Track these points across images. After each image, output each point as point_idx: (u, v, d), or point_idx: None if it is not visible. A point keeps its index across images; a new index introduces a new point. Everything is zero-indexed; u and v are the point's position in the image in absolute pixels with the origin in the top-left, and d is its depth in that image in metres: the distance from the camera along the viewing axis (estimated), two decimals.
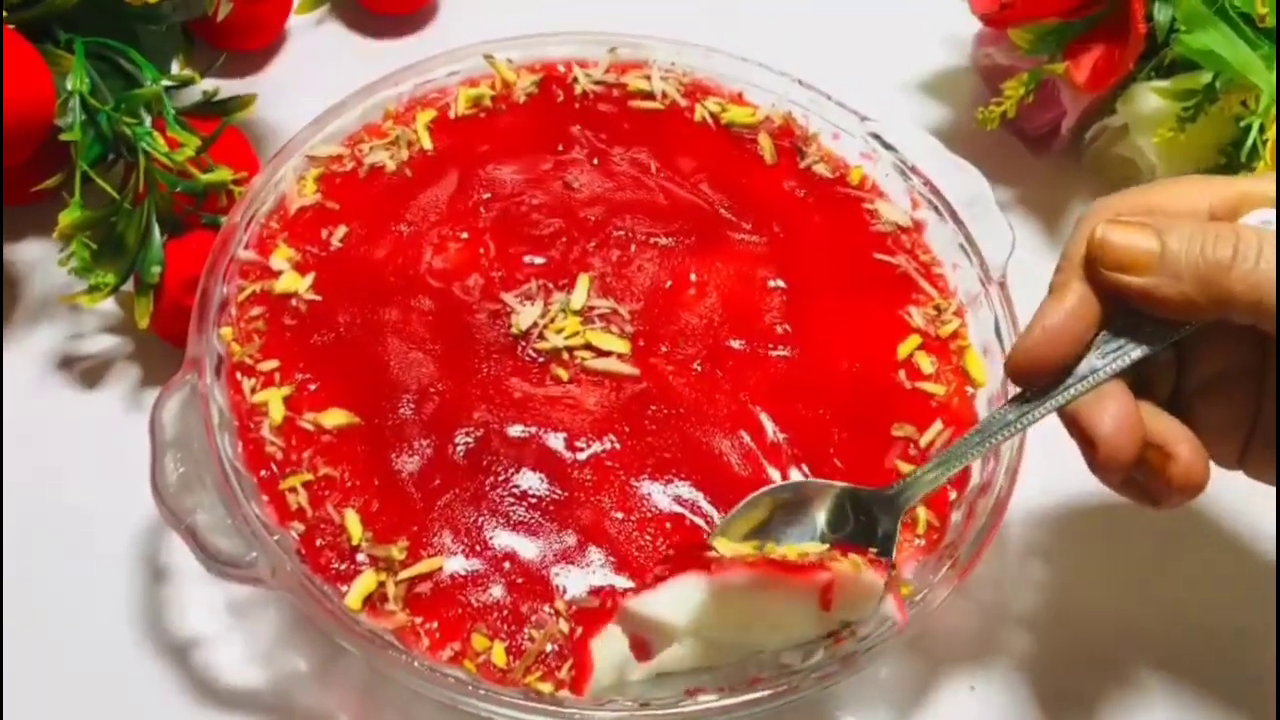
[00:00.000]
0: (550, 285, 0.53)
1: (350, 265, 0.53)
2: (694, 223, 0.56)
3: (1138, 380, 0.42)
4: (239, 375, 0.49)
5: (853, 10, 0.75)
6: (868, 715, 0.50)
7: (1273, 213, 0.40)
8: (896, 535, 0.45)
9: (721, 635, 0.43)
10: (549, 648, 0.44)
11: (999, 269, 0.54)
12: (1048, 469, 0.49)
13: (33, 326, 0.58)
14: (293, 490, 0.46)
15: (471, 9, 0.74)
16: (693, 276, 0.54)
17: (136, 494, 0.46)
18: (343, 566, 0.45)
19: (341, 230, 0.53)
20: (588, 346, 0.51)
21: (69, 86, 0.54)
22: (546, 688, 0.43)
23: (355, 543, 0.45)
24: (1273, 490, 0.44)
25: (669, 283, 0.54)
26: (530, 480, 0.47)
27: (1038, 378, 0.42)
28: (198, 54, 0.66)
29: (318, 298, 0.51)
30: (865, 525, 0.45)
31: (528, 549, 0.46)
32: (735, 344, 0.52)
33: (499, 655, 0.43)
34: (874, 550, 0.44)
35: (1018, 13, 0.62)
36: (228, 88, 0.60)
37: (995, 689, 0.51)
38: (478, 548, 0.46)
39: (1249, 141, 0.58)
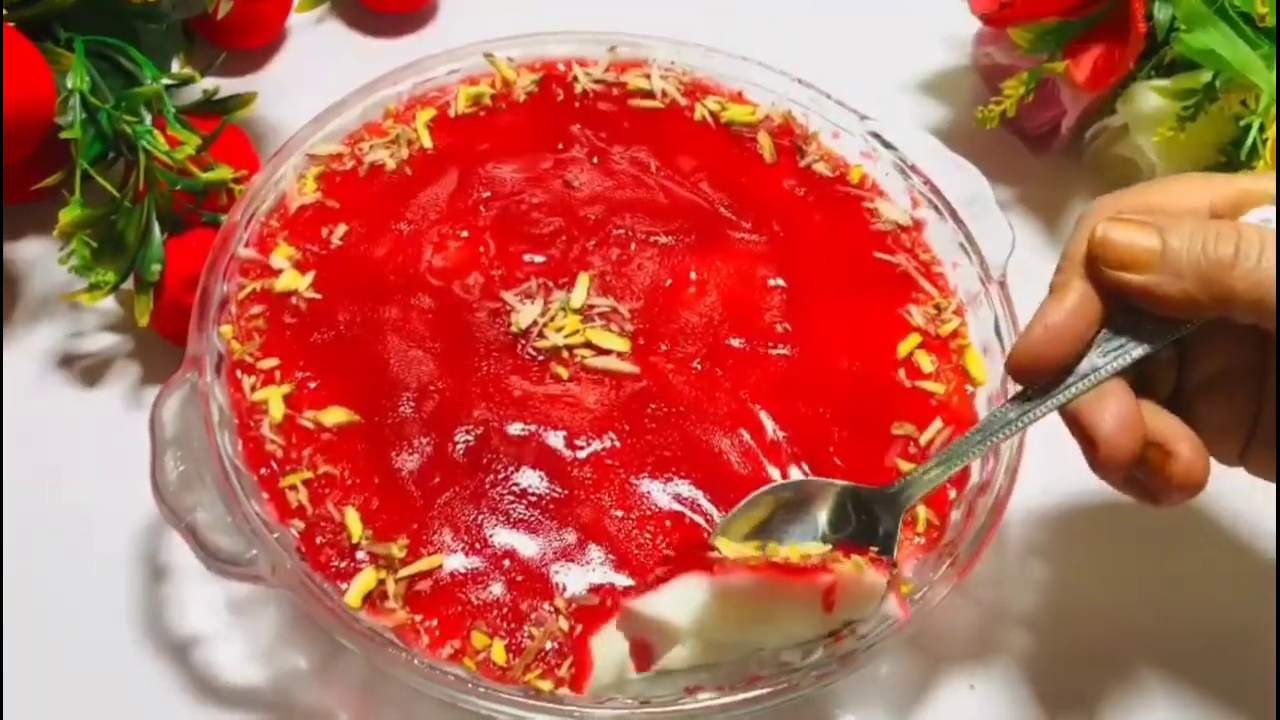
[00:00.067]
0: (550, 284, 0.53)
1: (350, 263, 0.53)
2: (694, 221, 0.56)
3: (1139, 378, 0.42)
4: (239, 373, 0.49)
5: (853, 9, 0.75)
6: (867, 713, 0.50)
7: (1273, 210, 0.40)
8: (898, 534, 0.45)
9: (723, 636, 0.43)
10: (549, 645, 0.44)
11: (999, 268, 0.54)
12: (1048, 468, 0.49)
13: (33, 324, 0.58)
14: (293, 488, 0.46)
15: (471, 8, 0.74)
16: (693, 275, 0.54)
17: (136, 492, 0.46)
18: (343, 564, 0.45)
19: (341, 228, 0.53)
20: (588, 345, 0.51)
21: (69, 85, 0.54)
22: (546, 685, 0.43)
23: (355, 540, 0.45)
24: (1272, 488, 0.44)
25: (669, 281, 0.54)
26: (530, 478, 0.47)
27: (1039, 376, 0.42)
28: (198, 52, 0.66)
29: (318, 296, 0.51)
30: (866, 524, 0.45)
31: (528, 547, 0.46)
32: (735, 342, 0.52)
33: (499, 653, 0.43)
34: (875, 549, 0.44)
35: (1017, 12, 0.62)
36: (228, 86, 0.60)
37: (995, 687, 0.51)
38: (478, 545, 0.46)
39: (1249, 140, 0.58)
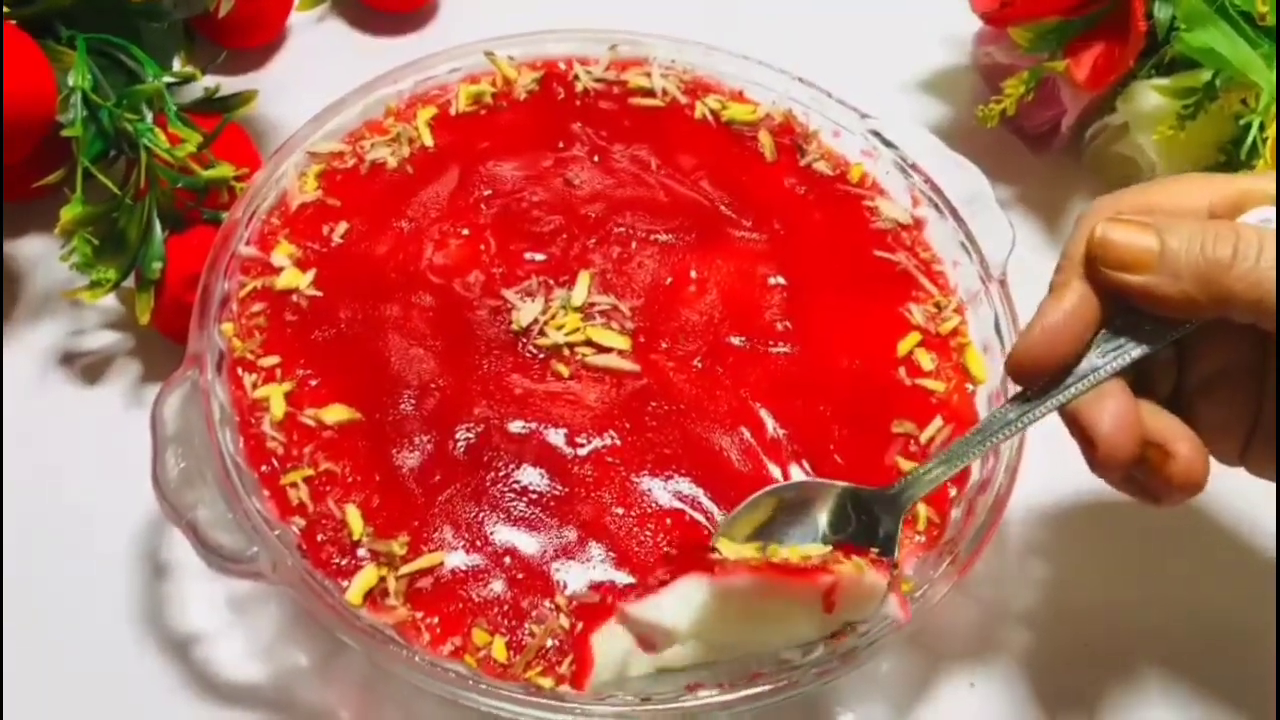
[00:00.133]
0: (551, 282, 0.53)
1: (351, 261, 0.53)
2: (694, 220, 0.56)
3: (1139, 378, 0.42)
4: (240, 371, 0.49)
5: (853, 8, 0.75)
6: (868, 711, 0.50)
7: (1273, 210, 0.40)
8: (898, 535, 0.45)
9: (724, 637, 0.43)
10: (549, 643, 0.44)
11: (999, 266, 0.54)
12: (1048, 466, 0.49)
13: (34, 322, 0.59)
14: (294, 485, 0.46)
15: (472, 6, 0.74)
16: (693, 273, 0.54)
17: (137, 490, 0.46)
18: (343, 562, 0.45)
19: (343, 226, 0.54)
20: (588, 343, 0.51)
21: (71, 83, 0.54)
22: (547, 683, 0.43)
23: (356, 538, 0.45)
24: (1271, 486, 0.44)
25: (669, 279, 0.54)
26: (531, 476, 0.47)
27: (1038, 377, 0.42)
28: (199, 51, 0.66)
29: (319, 294, 0.51)
30: (867, 525, 0.45)
31: (528, 544, 0.46)
32: (735, 340, 0.52)
33: (499, 650, 0.43)
34: (876, 550, 0.44)
35: (1018, 11, 0.62)
36: (229, 84, 0.60)
37: (995, 685, 0.51)
38: (478, 543, 0.46)
39: (1249, 139, 0.58)
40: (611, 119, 0.59)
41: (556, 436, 0.48)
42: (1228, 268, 0.39)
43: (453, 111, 0.58)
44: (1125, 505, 0.44)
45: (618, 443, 0.48)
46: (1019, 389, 0.43)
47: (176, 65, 0.64)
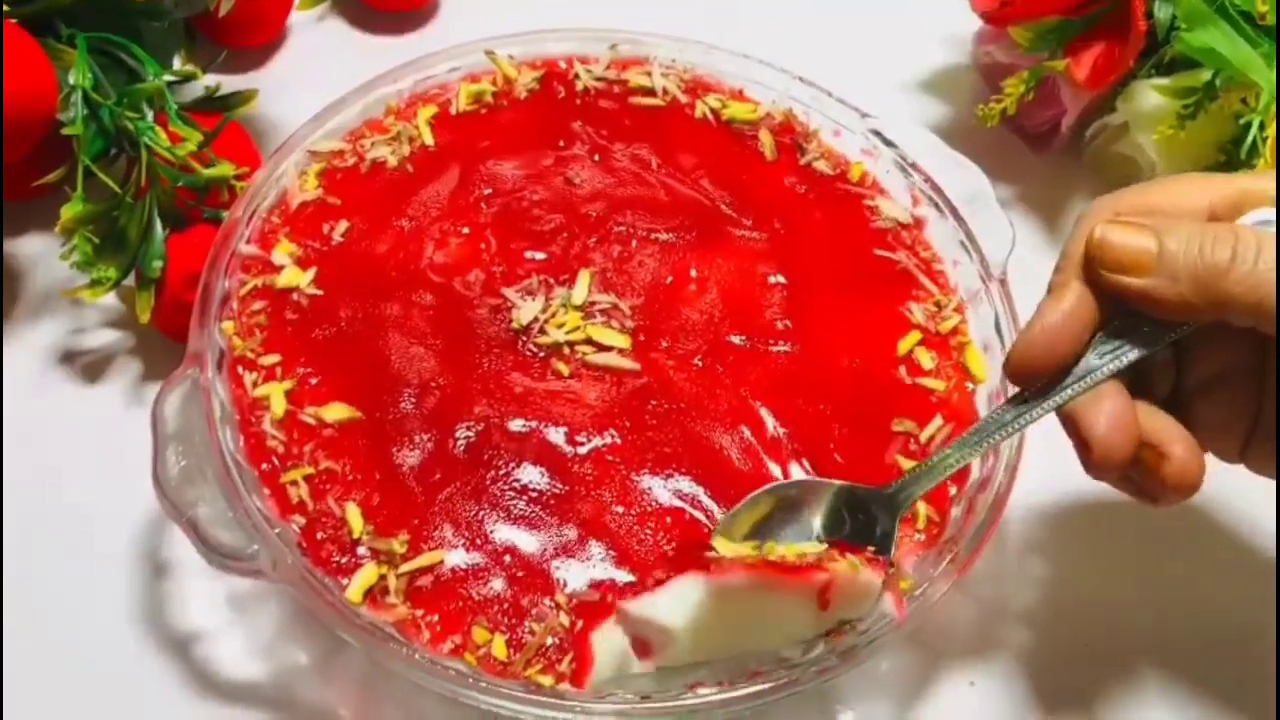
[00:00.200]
0: (551, 280, 0.53)
1: (351, 260, 0.53)
2: (695, 219, 0.56)
3: (1137, 379, 0.42)
4: (240, 369, 0.49)
5: (853, 7, 0.75)
6: (867, 709, 0.50)
7: (1270, 212, 0.40)
8: (895, 534, 0.45)
9: (720, 634, 0.43)
10: (549, 641, 0.44)
11: (999, 265, 0.54)
12: (1047, 465, 0.49)
13: (34, 321, 0.59)
14: (294, 484, 0.46)
15: (472, 6, 0.75)
16: (693, 272, 0.54)
17: (138, 488, 0.46)
18: (344, 560, 0.45)
19: (343, 225, 0.54)
20: (588, 341, 0.51)
21: (71, 81, 0.54)
22: (547, 680, 0.43)
23: (356, 536, 0.45)
24: (1271, 486, 0.44)
25: (670, 278, 0.54)
26: (531, 474, 0.47)
27: (1036, 378, 0.42)
28: (199, 50, 0.66)
29: (319, 292, 0.51)
30: (864, 524, 0.45)
31: (528, 543, 0.46)
32: (736, 339, 0.52)
33: (499, 648, 0.43)
34: (872, 549, 0.44)
35: (1018, 10, 0.62)
36: (229, 83, 0.60)
37: (995, 684, 0.51)
38: (478, 541, 0.46)
39: (1249, 139, 0.58)
40: (612, 118, 0.59)
41: (556, 435, 0.48)
42: (1225, 271, 0.39)
43: (453, 110, 0.58)
44: (1125, 504, 0.44)
45: (618, 441, 0.49)
46: (1017, 389, 0.43)
47: (177, 64, 0.64)
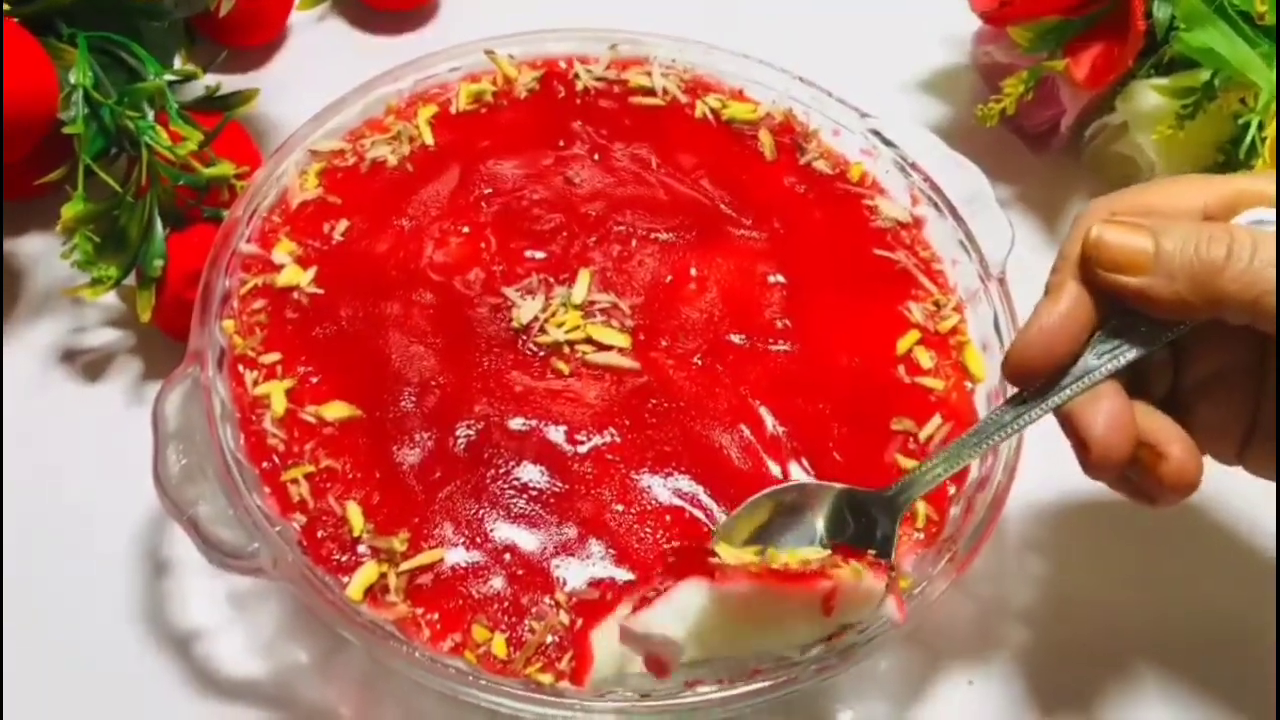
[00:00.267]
0: (551, 279, 0.53)
1: (352, 259, 0.53)
2: (694, 218, 0.56)
3: (1135, 379, 0.42)
4: (241, 368, 0.49)
5: (853, 7, 0.75)
6: (866, 708, 0.50)
7: (1265, 212, 0.40)
8: (895, 537, 0.45)
9: (723, 641, 0.43)
10: (549, 639, 0.44)
11: (998, 265, 0.54)
12: (1046, 464, 0.49)
13: (35, 320, 0.59)
14: (294, 482, 0.46)
15: (473, 5, 0.75)
16: (693, 271, 0.54)
17: (138, 487, 0.46)
18: (344, 558, 0.45)
19: (343, 224, 0.54)
20: (588, 340, 0.51)
21: (72, 80, 0.54)
22: (547, 679, 0.43)
23: (356, 534, 0.45)
24: (1270, 486, 0.45)
25: (669, 278, 0.54)
26: (531, 473, 0.47)
27: (1033, 378, 0.42)
28: (200, 49, 0.66)
29: (319, 291, 0.51)
30: (864, 527, 0.45)
31: (528, 541, 0.46)
32: (735, 339, 0.52)
33: (499, 646, 0.43)
34: (873, 553, 0.44)
35: (1017, 10, 0.62)
36: (230, 83, 0.61)
37: (993, 683, 0.51)
38: (478, 540, 0.46)
39: (1247, 139, 0.58)
40: (612, 118, 0.59)
41: (556, 434, 0.48)
42: (1221, 269, 0.39)
43: (453, 110, 0.58)
44: (1124, 504, 0.44)
45: (618, 440, 0.49)
46: (1015, 390, 0.43)
47: (178, 63, 0.64)
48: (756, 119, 0.60)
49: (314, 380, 0.49)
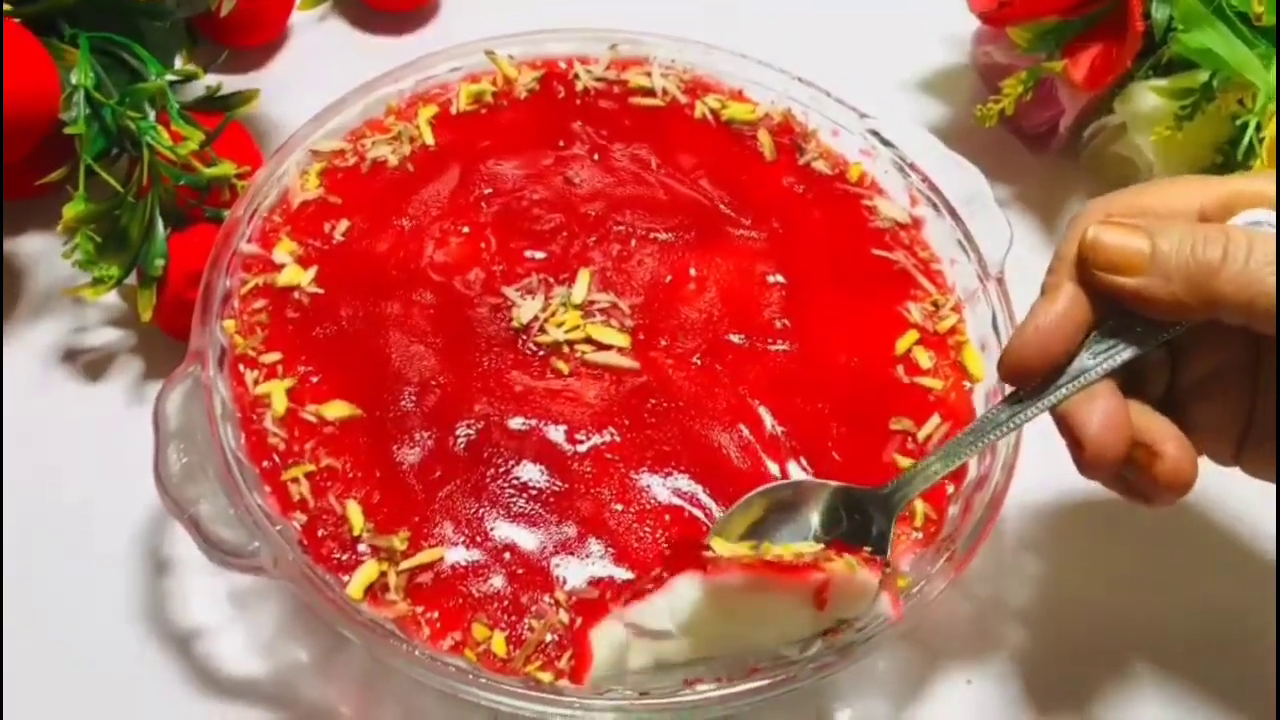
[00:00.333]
0: (551, 279, 0.53)
1: (352, 259, 0.53)
2: (694, 218, 0.56)
3: (1131, 379, 0.43)
4: (242, 367, 0.49)
5: (852, 8, 0.75)
6: (865, 707, 0.50)
7: (1261, 213, 0.41)
8: (891, 534, 0.45)
9: (717, 633, 0.43)
10: (549, 637, 0.44)
11: (997, 265, 0.54)
12: (1044, 464, 0.49)
13: (36, 320, 0.59)
14: (295, 481, 0.46)
15: (473, 6, 0.75)
16: (692, 271, 0.54)
17: (139, 486, 0.46)
18: (344, 556, 0.45)
19: (344, 224, 0.54)
20: (588, 340, 0.51)
21: (74, 81, 0.54)
22: (546, 677, 0.43)
23: (357, 533, 0.45)
24: (1270, 486, 0.45)
25: (669, 277, 0.54)
26: (530, 472, 0.48)
27: (1030, 378, 0.42)
28: (201, 50, 0.66)
29: (320, 291, 0.52)
30: (860, 524, 0.46)
31: (528, 540, 0.46)
32: (734, 338, 0.52)
33: (499, 645, 0.44)
34: (868, 549, 0.44)
35: (1016, 11, 0.62)
36: (231, 83, 0.61)
37: (991, 682, 0.51)
38: (478, 538, 0.46)
39: (1245, 140, 0.58)
40: (612, 118, 0.59)
41: (556, 433, 0.49)
42: (1217, 270, 0.39)
43: (453, 110, 0.59)
44: (1122, 504, 0.44)
45: (617, 439, 0.49)
46: (1012, 389, 0.43)
47: (179, 64, 0.64)
48: (756, 119, 0.60)
49: (314, 380, 0.49)
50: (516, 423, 0.49)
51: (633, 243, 0.55)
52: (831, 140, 0.60)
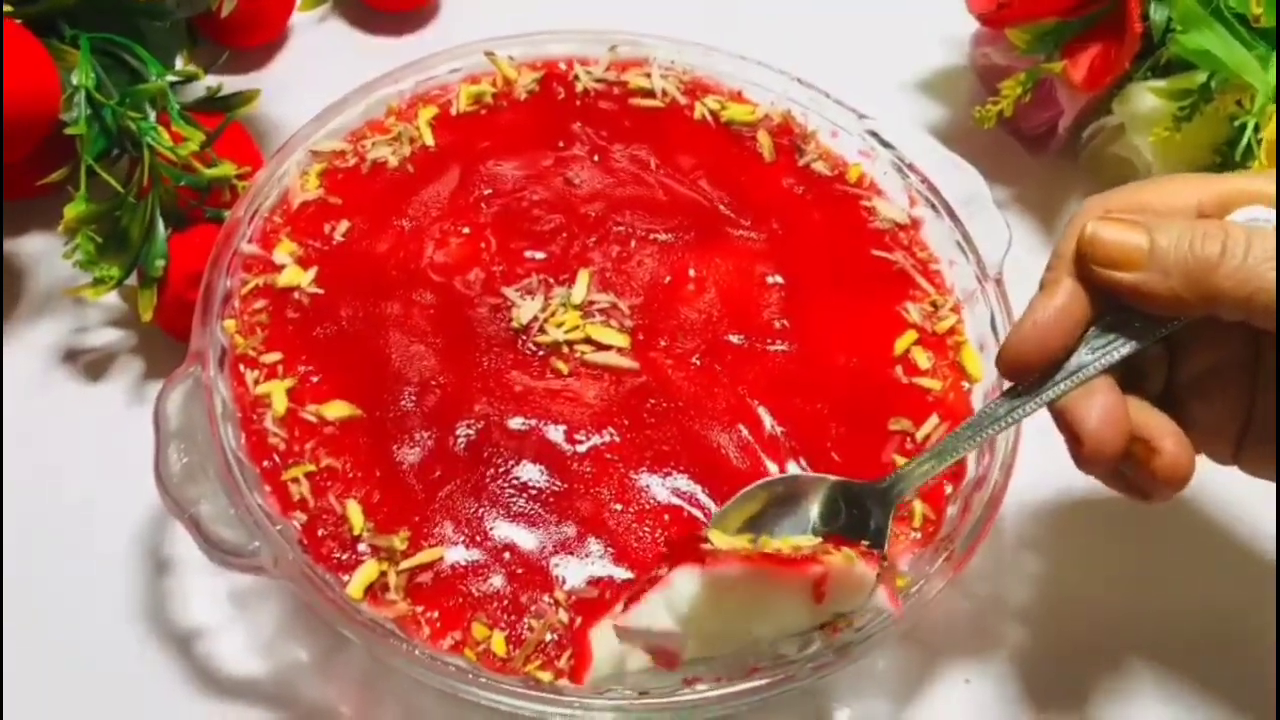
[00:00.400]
0: (551, 280, 0.53)
1: (352, 259, 0.53)
2: (693, 219, 0.56)
3: (1131, 375, 0.43)
4: (242, 367, 0.49)
5: (851, 9, 0.76)
6: (864, 707, 0.50)
7: (1259, 210, 0.41)
8: (888, 528, 0.45)
9: (715, 626, 0.43)
10: (548, 637, 0.44)
11: (995, 266, 0.54)
12: (1043, 463, 0.49)
13: (36, 320, 0.59)
14: (295, 481, 0.46)
15: (473, 7, 0.75)
16: (692, 272, 0.54)
17: (139, 486, 0.46)
18: (344, 556, 0.45)
19: (344, 225, 0.54)
20: (587, 340, 0.51)
21: (74, 81, 0.55)
22: (546, 676, 0.43)
23: (357, 533, 0.45)
24: (1270, 485, 0.45)
25: (668, 278, 0.54)
26: (530, 472, 0.48)
27: (1028, 372, 0.42)
28: (201, 50, 0.67)
29: (320, 291, 0.52)
30: (858, 518, 0.46)
31: (527, 540, 0.46)
32: (734, 339, 0.52)
33: (499, 644, 0.44)
34: (866, 543, 0.44)
35: (1015, 12, 0.63)
36: (231, 84, 0.61)
37: (990, 681, 0.51)
38: (478, 538, 0.46)
39: (1244, 141, 0.58)
40: (611, 119, 0.59)
41: (556, 433, 0.49)
42: (1215, 266, 0.39)
43: (453, 111, 0.59)
44: (1121, 503, 0.44)
45: (616, 439, 0.49)
46: (1009, 384, 0.44)
47: (179, 64, 0.64)
48: (755, 120, 0.60)
49: (315, 380, 0.49)
50: (516, 423, 0.49)
51: (632, 243, 0.55)
52: (831, 141, 0.60)
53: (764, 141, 0.60)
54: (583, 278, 0.53)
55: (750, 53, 0.61)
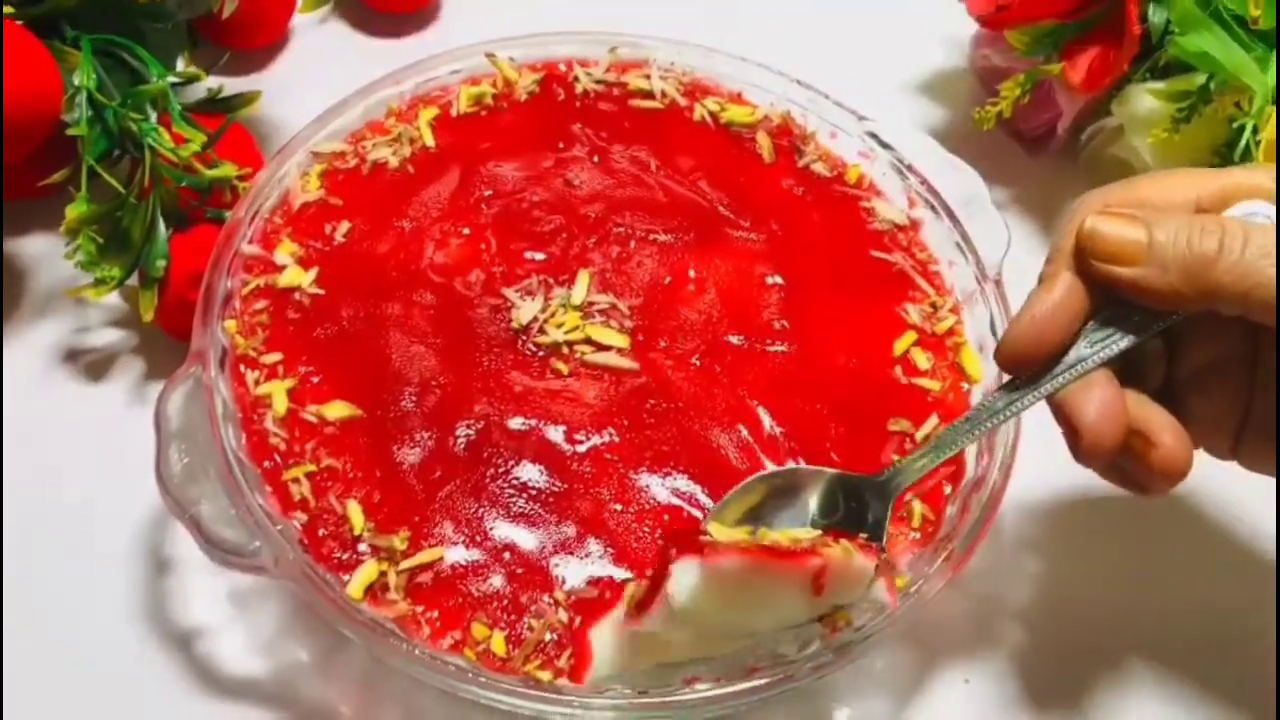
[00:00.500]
0: (551, 280, 0.53)
1: (353, 260, 0.53)
2: (693, 220, 0.56)
3: (1129, 369, 0.43)
4: (243, 368, 0.49)
5: (851, 11, 0.76)
6: (863, 706, 0.50)
7: (1257, 204, 0.41)
8: (887, 521, 0.45)
9: (714, 619, 0.43)
10: (548, 637, 0.44)
11: (994, 267, 0.55)
12: (1042, 463, 0.50)
13: (38, 320, 0.59)
14: (295, 481, 0.46)
15: (473, 8, 0.75)
16: (691, 273, 0.54)
17: (140, 486, 0.46)
18: (345, 556, 0.45)
19: (345, 225, 0.54)
20: (587, 341, 0.51)
21: (76, 82, 0.55)
22: (546, 676, 0.43)
23: (357, 533, 0.45)
24: (1269, 483, 0.45)
25: (668, 279, 0.54)
26: (530, 472, 0.48)
27: (1026, 366, 0.43)
28: (203, 51, 0.67)
29: (321, 292, 0.52)
30: (856, 511, 0.46)
31: (527, 540, 0.46)
32: (733, 339, 0.53)
33: (498, 644, 0.44)
34: (864, 536, 0.44)
35: (1014, 14, 0.63)
36: (232, 85, 0.61)
37: (989, 681, 0.51)
38: (478, 538, 0.46)
39: (1242, 142, 0.58)
40: (611, 120, 0.60)
41: (556, 433, 0.49)
42: (1214, 260, 0.39)
43: (454, 112, 0.59)
44: (1121, 501, 0.44)
45: (616, 440, 0.49)
46: (1008, 378, 0.44)
47: (180, 66, 0.64)
48: (754, 122, 0.61)
49: (315, 380, 0.49)
50: (516, 423, 0.49)
51: (632, 244, 0.55)
52: (830, 142, 0.60)
53: (763, 143, 0.60)
54: (582, 278, 0.53)
55: (750, 54, 0.61)
